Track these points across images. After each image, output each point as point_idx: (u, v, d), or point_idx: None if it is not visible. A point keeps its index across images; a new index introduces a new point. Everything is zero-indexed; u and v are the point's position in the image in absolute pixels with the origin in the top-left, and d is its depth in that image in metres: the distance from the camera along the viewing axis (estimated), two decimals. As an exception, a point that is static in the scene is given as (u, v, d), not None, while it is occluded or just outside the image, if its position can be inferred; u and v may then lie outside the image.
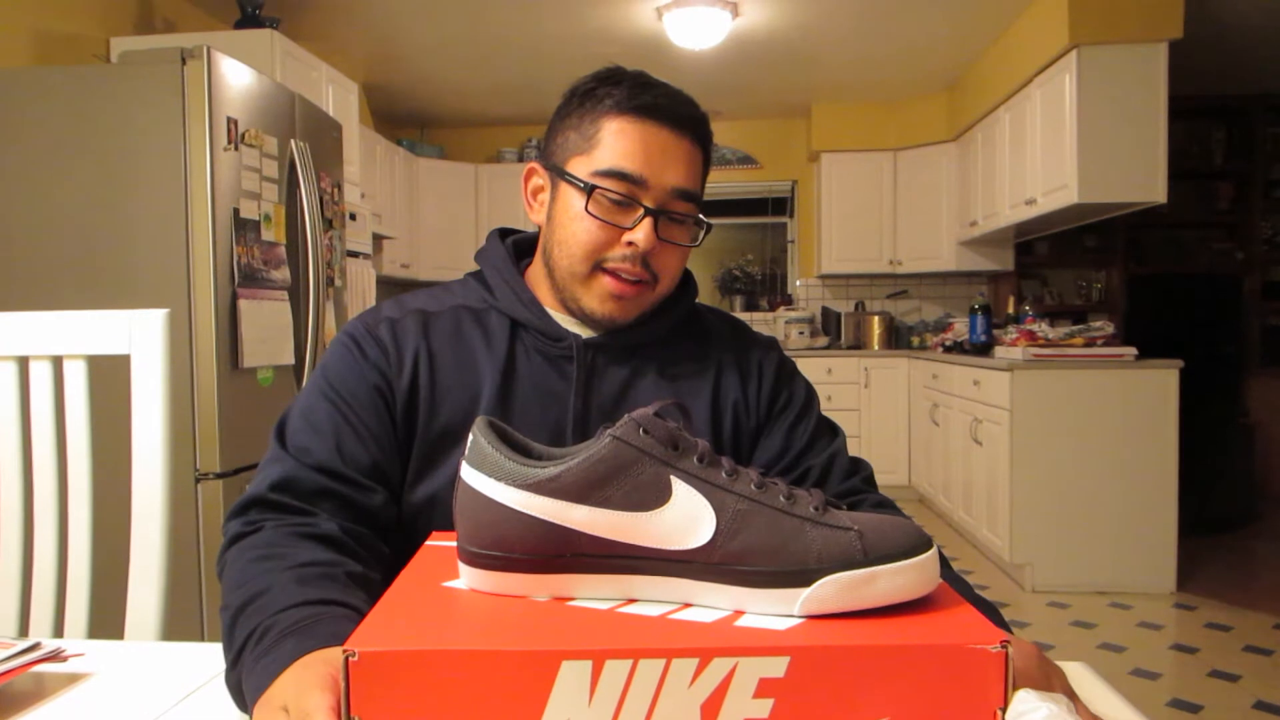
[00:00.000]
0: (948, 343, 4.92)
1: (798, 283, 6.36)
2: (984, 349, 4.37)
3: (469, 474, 0.61)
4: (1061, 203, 3.89)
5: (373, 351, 0.95)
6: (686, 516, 0.57)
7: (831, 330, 5.99)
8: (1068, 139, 3.79)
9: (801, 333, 5.85)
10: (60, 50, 3.04)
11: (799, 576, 0.55)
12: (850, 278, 6.10)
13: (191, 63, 2.32)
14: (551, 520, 0.58)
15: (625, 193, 0.92)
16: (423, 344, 0.96)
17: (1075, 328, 3.75)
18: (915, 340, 5.80)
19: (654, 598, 0.58)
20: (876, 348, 5.75)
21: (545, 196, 1.00)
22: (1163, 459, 3.49)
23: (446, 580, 0.62)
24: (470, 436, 0.62)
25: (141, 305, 1.16)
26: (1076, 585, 3.55)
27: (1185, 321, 5.09)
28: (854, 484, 0.99)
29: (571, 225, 0.95)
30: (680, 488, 0.58)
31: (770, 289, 6.56)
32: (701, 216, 0.98)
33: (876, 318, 5.83)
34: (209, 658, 0.82)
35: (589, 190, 0.92)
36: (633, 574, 0.58)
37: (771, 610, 0.56)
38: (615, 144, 0.93)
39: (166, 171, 2.35)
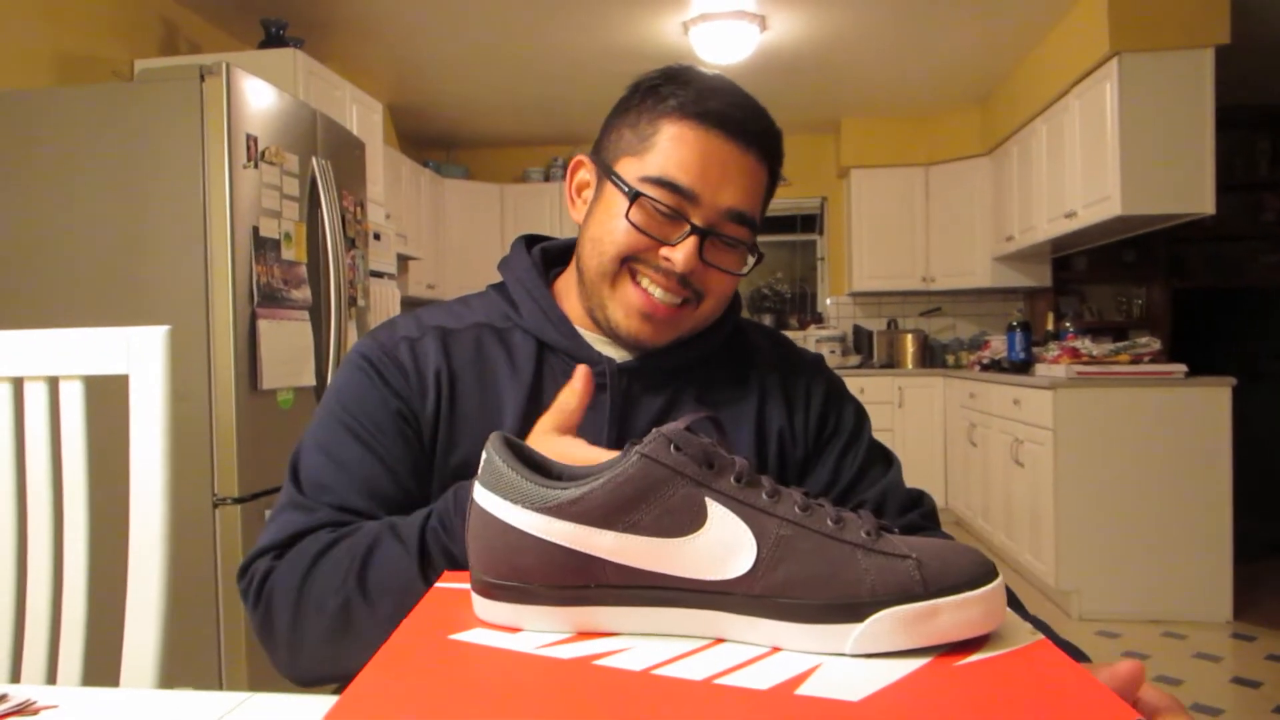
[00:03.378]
0: (985, 361, 4.78)
1: (828, 301, 6.25)
2: (1023, 367, 4.23)
3: (482, 495, 0.55)
4: (1104, 215, 3.76)
5: (393, 375, 0.86)
6: (724, 543, 0.51)
7: (864, 349, 5.87)
8: (1109, 149, 3.66)
9: (833, 351, 5.73)
10: (84, 73, 3.03)
11: (850, 610, 0.49)
12: (882, 295, 5.98)
13: (210, 79, 2.28)
14: (574, 547, 0.52)
15: (673, 205, 0.82)
16: (444, 366, 0.87)
17: (1121, 344, 3.61)
18: (950, 358, 5.66)
19: (687, 633, 0.52)
20: (910, 366, 5.62)
21: (590, 194, 0.90)
22: (1216, 480, 3.34)
23: (454, 632, 0.53)
24: (484, 454, 0.56)
25: (159, 324, 1.09)
26: (1127, 613, 3.39)
27: (1232, 337, 4.92)
28: (912, 519, 0.89)
29: (610, 223, 0.85)
30: (716, 511, 0.52)
31: (800, 307, 6.45)
32: (755, 244, 0.87)
33: (910, 335, 5.70)
34: (203, 708, 0.74)
35: (633, 197, 0.82)
36: (664, 606, 0.52)
37: (819, 649, 0.49)
38: (671, 150, 0.82)
39: (185, 189, 2.30)
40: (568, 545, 0.52)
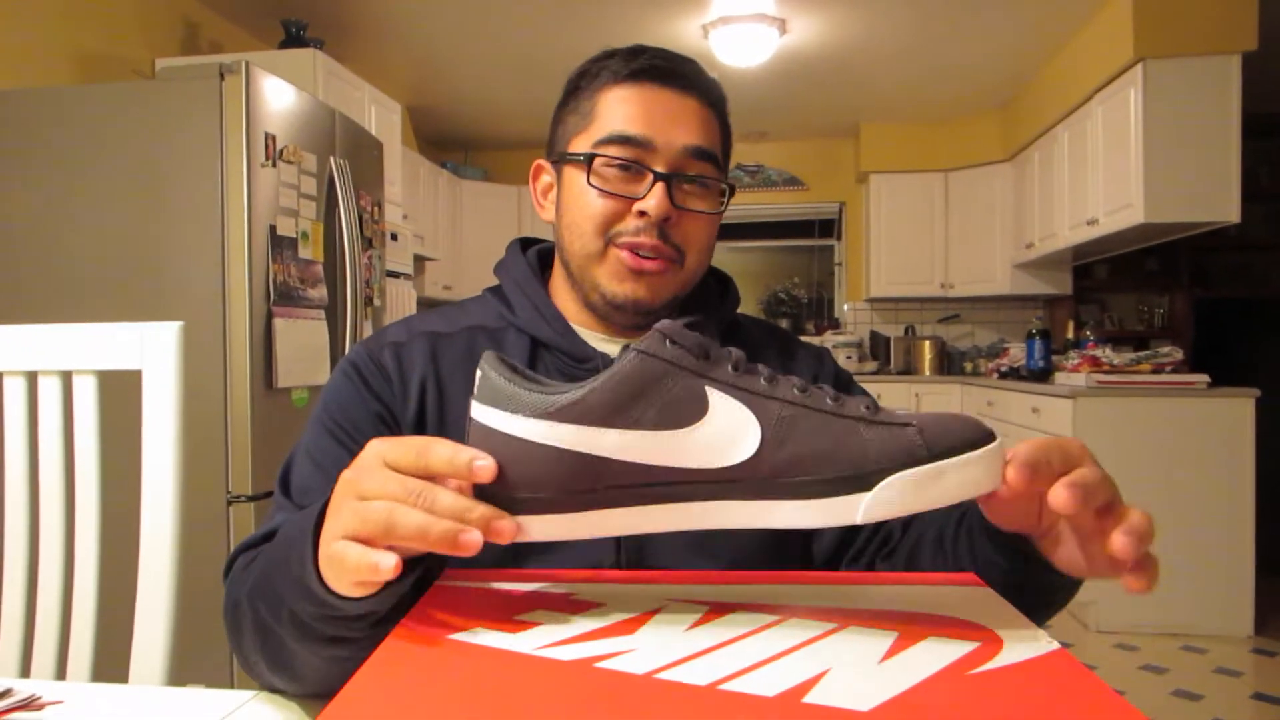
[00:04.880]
0: (1003, 368, 4.74)
1: (845, 306, 6.22)
2: (1042, 375, 4.19)
3: (480, 412, 0.54)
4: (1126, 222, 3.72)
5: (375, 380, 0.86)
6: (727, 430, 0.52)
7: (881, 355, 5.83)
8: (1133, 156, 3.62)
9: (850, 357, 5.70)
10: (106, 72, 3.05)
11: (858, 481, 0.50)
12: (900, 301, 5.95)
13: (230, 78, 2.29)
14: (579, 450, 0.52)
15: (631, 158, 0.82)
16: (430, 370, 0.87)
17: (1142, 353, 3.57)
18: (968, 366, 5.62)
19: (702, 526, 0.53)
20: (928, 373, 5.58)
21: (554, 192, 0.91)
22: (1238, 492, 3.29)
23: (454, 632, 0.52)
24: (478, 372, 0.56)
25: (175, 321, 1.09)
26: (1145, 626, 3.35)
27: (1255, 348, 4.85)
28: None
29: (578, 201, 0.85)
30: (717, 399, 0.52)
31: (817, 313, 6.43)
32: (724, 180, 0.87)
33: (927, 342, 5.67)
34: (211, 705, 0.73)
35: (589, 159, 0.83)
36: (675, 502, 0.53)
37: (832, 522, 0.51)
38: (614, 111, 0.84)
39: (203, 187, 2.31)
40: (572, 448, 0.52)
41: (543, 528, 0.53)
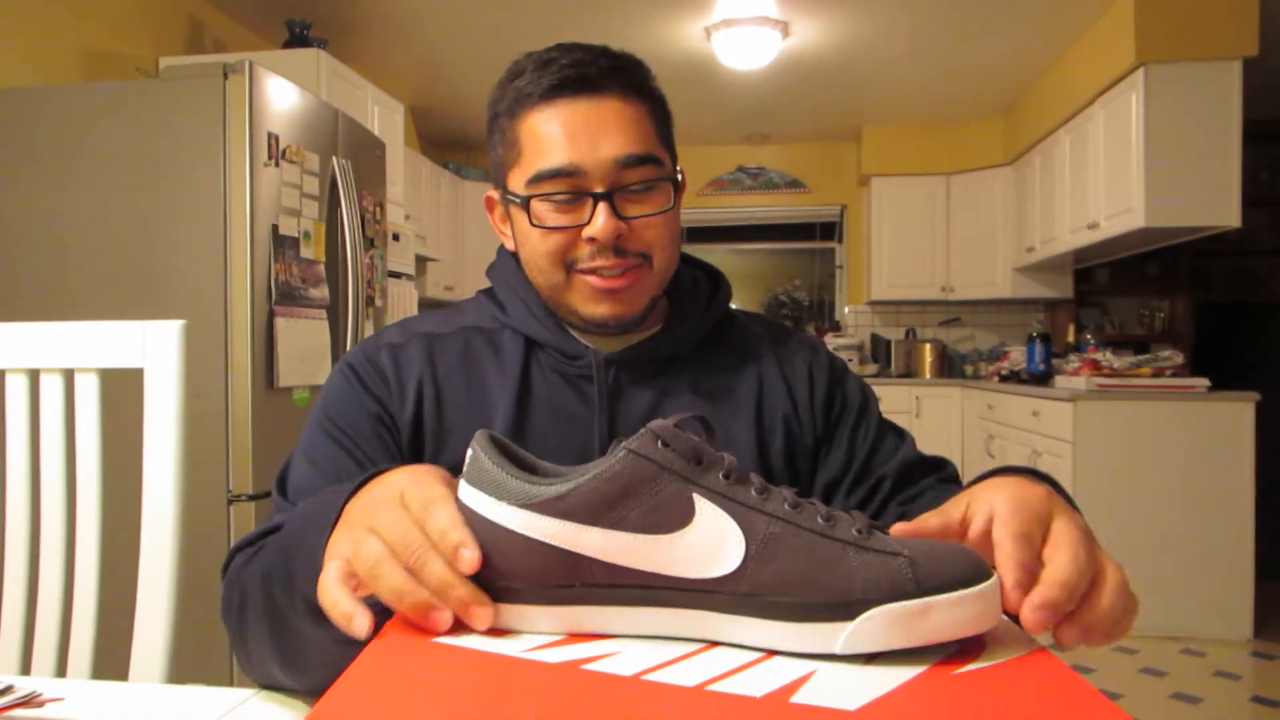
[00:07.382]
0: (1004, 372, 4.75)
1: (846, 309, 6.22)
2: (1043, 379, 4.19)
3: (467, 493, 0.54)
4: (1126, 226, 3.73)
5: (372, 380, 0.87)
6: (711, 540, 0.51)
7: (881, 357, 5.83)
8: (1134, 160, 3.63)
9: (850, 360, 5.70)
10: (110, 69, 3.06)
11: (841, 609, 0.49)
12: (901, 304, 5.95)
13: (233, 77, 2.30)
14: (559, 545, 0.51)
15: (565, 188, 0.81)
16: (428, 371, 0.88)
17: (1143, 357, 3.57)
18: (969, 369, 5.62)
19: (674, 633, 0.51)
20: (928, 376, 5.58)
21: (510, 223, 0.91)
22: (1238, 496, 3.29)
23: (442, 635, 0.52)
24: (469, 451, 0.55)
25: (176, 320, 1.09)
26: (1145, 629, 3.35)
27: (1256, 352, 4.85)
28: (931, 482, 0.89)
29: (528, 240, 0.85)
30: (704, 507, 0.51)
31: (818, 315, 6.43)
32: (670, 175, 0.85)
33: (928, 345, 5.67)
34: (211, 703, 0.74)
35: (525, 203, 0.83)
36: (651, 606, 0.51)
37: (808, 649, 0.49)
38: (536, 143, 0.82)
39: (206, 186, 2.31)
40: (553, 543, 0.51)
41: (516, 619, 0.53)
